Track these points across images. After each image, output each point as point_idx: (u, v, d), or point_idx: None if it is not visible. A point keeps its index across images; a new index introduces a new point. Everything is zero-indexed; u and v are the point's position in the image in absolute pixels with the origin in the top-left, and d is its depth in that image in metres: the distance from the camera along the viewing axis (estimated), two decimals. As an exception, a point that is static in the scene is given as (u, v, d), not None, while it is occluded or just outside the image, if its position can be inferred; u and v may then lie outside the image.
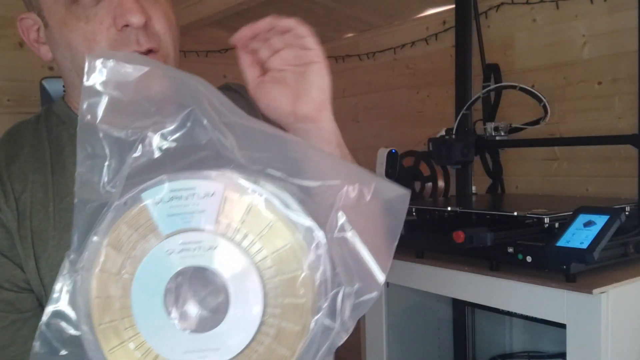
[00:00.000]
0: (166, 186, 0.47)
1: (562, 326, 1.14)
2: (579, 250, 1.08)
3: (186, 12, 2.61)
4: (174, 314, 0.45)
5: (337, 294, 0.46)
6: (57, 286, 0.50)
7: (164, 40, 0.74)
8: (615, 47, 1.78)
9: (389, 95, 2.63)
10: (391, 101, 2.62)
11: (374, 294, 0.48)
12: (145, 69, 0.51)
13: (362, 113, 2.78)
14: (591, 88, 1.86)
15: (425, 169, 1.94)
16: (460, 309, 1.77)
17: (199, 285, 0.45)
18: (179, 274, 0.45)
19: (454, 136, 1.65)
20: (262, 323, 0.44)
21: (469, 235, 1.20)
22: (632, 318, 1.15)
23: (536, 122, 1.59)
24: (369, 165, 2.52)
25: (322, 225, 0.47)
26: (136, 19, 0.68)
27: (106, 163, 0.51)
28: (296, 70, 0.70)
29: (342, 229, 0.48)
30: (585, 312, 1.10)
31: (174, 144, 0.50)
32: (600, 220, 1.12)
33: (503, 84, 1.78)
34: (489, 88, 1.74)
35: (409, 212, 1.57)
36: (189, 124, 0.51)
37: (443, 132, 1.70)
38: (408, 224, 1.45)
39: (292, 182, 0.48)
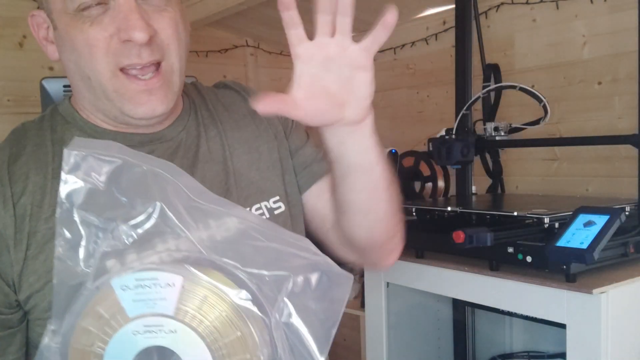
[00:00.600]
0: (132, 275, 0.53)
1: (562, 326, 1.14)
2: (579, 250, 1.08)
3: (186, 12, 2.61)
4: None
5: None
6: (41, 349, 0.57)
7: (169, 50, 0.74)
8: (615, 47, 1.78)
9: (389, 95, 2.63)
10: (391, 101, 2.61)
11: None
12: (119, 162, 0.58)
13: (362, 113, 2.78)
14: (591, 88, 1.86)
15: (425, 169, 1.94)
16: (460, 309, 1.77)
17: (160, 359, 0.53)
18: (142, 351, 0.53)
19: (454, 136, 1.65)
20: None
21: (469, 235, 1.20)
22: (632, 318, 1.15)
23: (536, 122, 1.59)
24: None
25: (270, 310, 0.54)
26: (140, 37, 0.69)
27: (82, 244, 0.58)
28: (342, 75, 0.68)
29: (288, 315, 0.55)
30: (585, 312, 1.10)
31: (140, 234, 0.57)
32: (600, 220, 1.12)
33: (503, 84, 1.78)
34: (489, 88, 1.74)
35: (409, 212, 1.57)
36: (155, 217, 0.57)
37: (443, 132, 1.70)
38: (408, 224, 1.45)
39: (245, 271, 0.55)
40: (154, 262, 0.55)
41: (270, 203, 0.84)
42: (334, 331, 0.59)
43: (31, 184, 0.73)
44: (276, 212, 0.84)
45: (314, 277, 0.57)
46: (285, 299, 0.55)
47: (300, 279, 0.56)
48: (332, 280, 0.58)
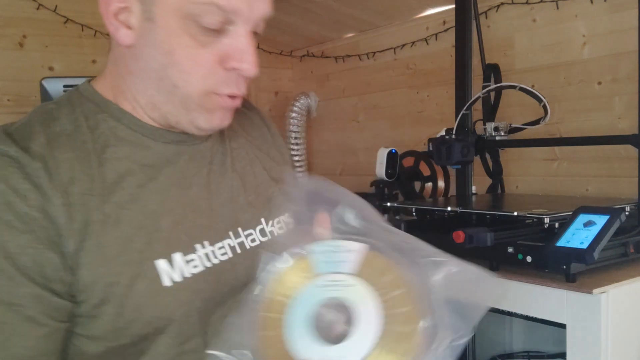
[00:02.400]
0: (324, 242, 0.64)
1: (562, 326, 1.14)
2: (579, 250, 1.08)
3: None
4: (316, 330, 0.60)
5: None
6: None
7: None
8: (615, 47, 1.78)
9: (389, 95, 2.63)
10: (391, 101, 2.62)
11: (465, 339, 0.63)
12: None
13: (362, 113, 2.78)
14: (591, 88, 1.86)
15: (425, 169, 1.94)
16: (460, 309, 1.77)
17: (336, 311, 0.61)
18: (323, 303, 0.61)
19: (454, 136, 1.65)
20: (376, 345, 0.59)
21: (469, 235, 1.20)
22: (632, 318, 1.15)
23: (536, 122, 1.59)
24: (369, 165, 2.53)
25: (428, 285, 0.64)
26: (253, 72, 0.72)
27: None
28: None
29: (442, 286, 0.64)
30: (585, 312, 1.10)
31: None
32: (600, 220, 1.12)
33: (503, 84, 1.78)
34: (489, 88, 1.74)
35: (409, 212, 1.57)
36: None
37: (443, 132, 1.70)
38: (408, 224, 1.45)
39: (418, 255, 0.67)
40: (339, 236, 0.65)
41: (286, 217, 0.85)
42: (476, 317, 0.63)
43: (78, 172, 0.69)
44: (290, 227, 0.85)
45: (467, 271, 0.67)
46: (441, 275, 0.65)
47: (454, 269, 0.67)
48: (480, 279, 0.67)
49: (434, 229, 1.46)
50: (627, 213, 1.25)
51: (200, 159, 0.80)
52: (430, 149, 1.69)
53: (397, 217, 1.61)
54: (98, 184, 0.70)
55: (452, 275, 0.66)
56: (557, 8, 1.92)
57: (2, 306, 0.64)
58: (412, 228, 1.46)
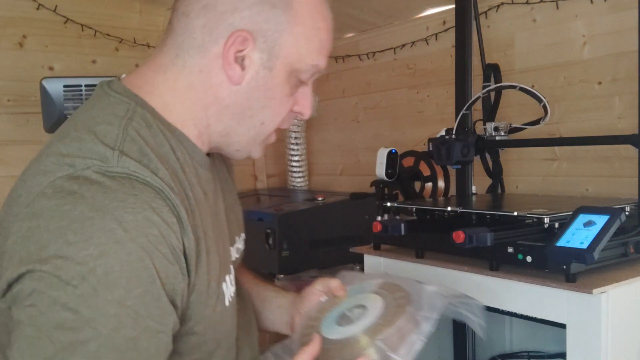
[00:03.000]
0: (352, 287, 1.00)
1: (562, 326, 1.14)
2: (579, 250, 1.08)
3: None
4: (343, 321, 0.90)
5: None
6: None
7: None
8: (615, 47, 1.78)
9: (389, 95, 2.63)
10: (391, 101, 2.62)
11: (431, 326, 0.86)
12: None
13: (362, 113, 2.78)
14: (591, 88, 1.86)
15: (425, 169, 1.94)
16: (460, 309, 1.77)
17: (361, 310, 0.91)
18: (350, 308, 0.92)
19: (454, 136, 1.65)
20: (375, 321, 0.87)
21: (469, 235, 1.20)
22: (632, 318, 1.15)
23: (536, 122, 1.59)
24: (369, 165, 2.53)
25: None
26: (309, 116, 0.85)
27: None
28: None
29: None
30: (585, 312, 1.10)
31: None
32: (600, 220, 1.12)
33: (503, 84, 1.78)
34: (489, 88, 1.74)
35: (409, 212, 1.57)
36: None
37: (443, 132, 1.70)
38: (408, 224, 1.45)
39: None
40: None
41: (244, 235, 0.97)
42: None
43: (192, 202, 0.74)
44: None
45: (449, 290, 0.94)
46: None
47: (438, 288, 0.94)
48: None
49: (434, 229, 1.46)
50: (627, 213, 1.25)
51: (213, 179, 0.86)
52: (430, 149, 1.69)
53: (397, 217, 1.61)
54: (199, 219, 0.75)
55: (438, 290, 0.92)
56: (557, 8, 1.92)
57: (149, 332, 0.66)
58: (412, 228, 1.46)
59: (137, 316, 0.64)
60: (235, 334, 0.86)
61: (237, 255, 0.94)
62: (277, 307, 1.04)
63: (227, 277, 0.82)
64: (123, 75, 0.82)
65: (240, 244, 0.95)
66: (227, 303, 0.80)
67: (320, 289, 0.98)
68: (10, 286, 0.65)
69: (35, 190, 0.67)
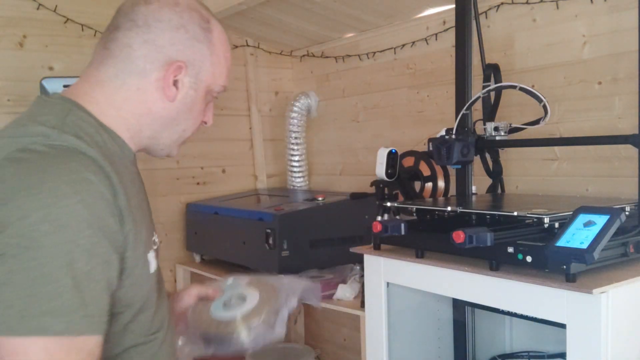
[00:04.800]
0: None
1: (562, 326, 1.14)
2: (579, 250, 1.08)
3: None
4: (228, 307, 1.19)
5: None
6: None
7: None
8: (615, 47, 1.78)
9: (389, 95, 2.63)
10: (391, 101, 2.62)
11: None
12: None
13: (362, 113, 2.78)
14: (591, 88, 1.86)
15: (425, 169, 1.94)
16: (460, 309, 1.77)
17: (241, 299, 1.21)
18: (232, 297, 1.22)
19: (454, 136, 1.65)
20: (251, 309, 1.17)
21: (469, 235, 1.20)
22: (632, 318, 1.15)
23: (536, 122, 1.59)
24: (369, 165, 2.53)
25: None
26: (211, 123, 1.08)
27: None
28: None
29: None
30: (585, 312, 1.10)
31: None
32: (600, 220, 1.12)
33: (503, 84, 1.78)
34: (489, 88, 1.74)
35: (409, 212, 1.57)
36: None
37: (443, 132, 1.70)
38: (408, 224, 1.45)
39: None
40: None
41: (156, 235, 1.10)
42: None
43: (119, 180, 0.88)
44: None
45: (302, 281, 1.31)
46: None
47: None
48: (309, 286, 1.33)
49: (434, 229, 1.46)
50: (627, 213, 1.25)
51: (138, 176, 1.05)
52: (430, 149, 1.69)
53: (397, 217, 1.61)
54: (123, 187, 0.89)
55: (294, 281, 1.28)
56: (557, 8, 1.92)
57: (101, 266, 0.82)
58: (412, 228, 1.46)
59: (89, 253, 0.80)
60: (156, 305, 0.99)
61: (157, 243, 1.08)
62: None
63: (151, 252, 0.97)
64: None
65: (155, 244, 1.07)
66: (151, 271, 0.96)
67: (195, 292, 1.23)
68: None
69: None
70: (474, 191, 1.80)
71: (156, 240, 1.05)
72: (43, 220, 0.76)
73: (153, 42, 0.94)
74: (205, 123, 1.07)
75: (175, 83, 0.97)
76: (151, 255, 0.97)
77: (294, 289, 1.23)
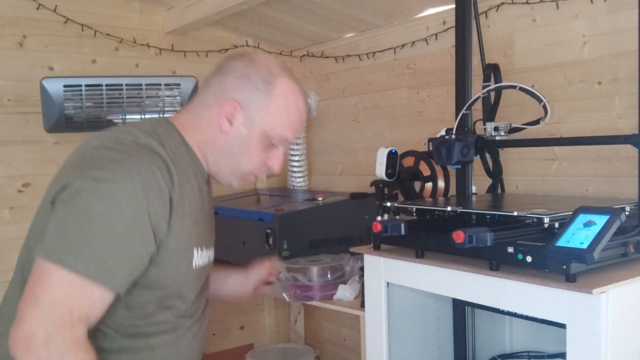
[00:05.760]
0: None
1: (562, 326, 1.14)
2: (579, 250, 1.08)
3: (186, 12, 2.61)
4: None
5: None
6: None
7: None
8: (615, 47, 1.78)
9: (389, 95, 2.63)
10: (391, 101, 2.62)
11: None
12: None
13: (362, 113, 2.78)
14: (591, 88, 1.86)
15: (425, 169, 1.94)
16: (460, 309, 1.77)
17: None
18: None
19: (454, 136, 1.65)
20: None
21: (469, 235, 1.20)
22: (632, 318, 1.15)
23: (536, 122, 1.59)
24: (369, 165, 2.53)
25: None
26: (277, 172, 1.25)
27: None
28: None
29: None
30: (585, 312, 1.10)
31: None
32: (600, 220, 1.12)
33: (503, 84, 1.78)
34: (489, 88, 1.74)
35: (409, 212, 1.57)
36: None
37: (443, 132, 1.70)
38: (408, 224, 1.45)
39: None
40: None
41: (213, 250, 1.32)
42: None
43: (182, 180, 1.12)
44: None
45: None
46: None
47: None
48: None
49: (434, 229, 1.46)
50: (627, 213, 1.25)
51: (208, 194, 1.26)
52: (430, 149, 1.69)
53: (397, 217, 1.61)
54: (182, 187, 1.11)
55: None
56: (557, 8, 1.92)
57: (138, 238, 1.04)
58: (412, 228, 1.46)
59: (128, 224, 1.02)
60: (194, 297, 1.20)
61: (211, 258, 1.28)
62: (237, 275, 1.56)
63: (199, 248, 1.17)
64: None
65: (211, 253, 1.28)
66: (193, 266, 1.16)
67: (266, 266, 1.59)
68: (61, 189, 1.03)
69: (87, 147, 1.11)
70: (474, 191, 1.80)
71: (210, 254, 1.26)
72: (105, 188, 1.01)
73: (222, 84, 1.18)
74: (270, 169, 1.22)
75: (229, 118, 1.16)
76: (199, 253, 1.17)
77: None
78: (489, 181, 1.84)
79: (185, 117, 1.22)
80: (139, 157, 1.06)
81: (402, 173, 1.91)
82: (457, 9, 1.84)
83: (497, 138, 1.68)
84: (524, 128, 1.64)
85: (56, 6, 2.51)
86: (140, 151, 1.08)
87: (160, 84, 2.35)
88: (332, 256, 2.18)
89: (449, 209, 1.45)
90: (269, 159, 1.21)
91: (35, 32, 2.49)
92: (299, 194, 2.82)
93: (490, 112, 1.79)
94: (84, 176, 1.03)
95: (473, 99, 1.72)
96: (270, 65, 1.20)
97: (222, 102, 1.17)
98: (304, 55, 3.06)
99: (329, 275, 2.06)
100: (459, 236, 1.21)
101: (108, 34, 2.61)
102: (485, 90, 1.74)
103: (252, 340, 3.07)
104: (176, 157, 1.12)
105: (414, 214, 1.56)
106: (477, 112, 1.86)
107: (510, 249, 1.21)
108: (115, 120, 2.33)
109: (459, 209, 1.43)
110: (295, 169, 2.98)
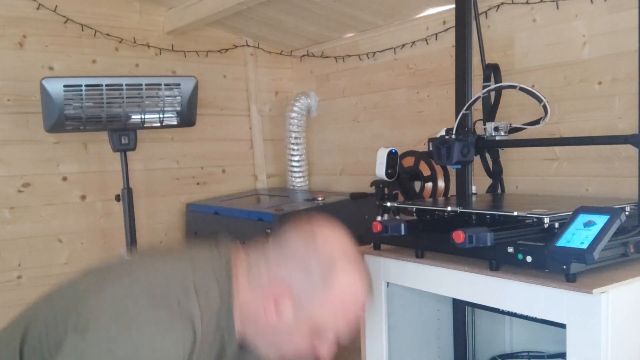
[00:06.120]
0: None
1: (562, 326, 1.14)
2: (579, 250, 1.08)
3: (186, 12, 2.61)
4: None
5: None
6: None
7: None
8: (615, 47, 1.78)
9: (389, 95, 2.63)
10: (391, 101, 2.62)
11: None
12: None
13: (362, 113, 2.78)
14: (591, 88, 1.86)
15: (425, 169, 1.93)
16: (460, 309, 1.77)
17: None
18: None
19: (454, 136, 1.65)
20: None
21: (469, 235, 1.20)
22: (632, 318, 1.15)
23: (536, 122, 1.59)
24: (369, 165, 2.52)
25: None
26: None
27: None
28: None
29: None
30: (585, 312, 1.10)
31: None
32: (600, 220, 1.12)
33: (503, 84, 1.78)
34: (489, 88, 1.74)
35: (409, 212, 1.57)
36: None
37: (443, 132, 1.70)
38: (408, 224, 1.45)
39: None
40: None
41: None
42: None
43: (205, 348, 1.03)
44: None
45: None
46: None
47: None
48: None
49: (434, 229, 1.46)
50: (627, 213, 1.25)
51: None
52: (430, 149, 1.69)
53: (397, 217, 1.61)
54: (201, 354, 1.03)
55: None
56: (557, 8, 1.92)
57: None
58: (412, 228, 1.46)
59: None
60: None
61: None
62: None
63: None
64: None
65: None
66: None
67: None
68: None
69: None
70: (474, 191, 1.80)
71: None
72: (133, 341, 0.94)
73: (278, 265, 1.08)
74: (321, 358, 1.12)
75: (277, 305, 1.06)
76: None
77: None
78: (489, 181, 1.84)
79: (239, 289, 1.10)
80: (171, 325, 0.98)
81: (402, 173, 1.91)
82: (457, 9, 1.84)
83: (497, 138, 1.68)
84: (524, 128, 1.63)
85: (56, 6, 2.51)
86: (176, 320, 0.99)
87: (160, 84, 2.35)
88: None
89: (449, 209, 1.45)
90: (317, 348, 1.11)
91: (36, 32, 2.49)
92: (299, 194, 2.82)
93: (490, 112, 1.79)
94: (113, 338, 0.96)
95: (473, 99, 1.72)
96: (333, 248, 1.10)
97: (273, 284, 1.07)
98: (304, 55, 3.06)
99: (329, 275, 2.05)
100: (459, 236, 1.21)
101: (108, 34, 2.61)
102: (485, 90, 1.74)
103: (252, 340, 3.07)
104: (209, 330, 1.04)
105: (414, 214, 1.56)
106: (477, 112, 1.86)
107: (510, 249, 1.21)
108: (115, 120, 2.32)
109: (459, 209, 1.43)
110: (295, 169, 2.98)
